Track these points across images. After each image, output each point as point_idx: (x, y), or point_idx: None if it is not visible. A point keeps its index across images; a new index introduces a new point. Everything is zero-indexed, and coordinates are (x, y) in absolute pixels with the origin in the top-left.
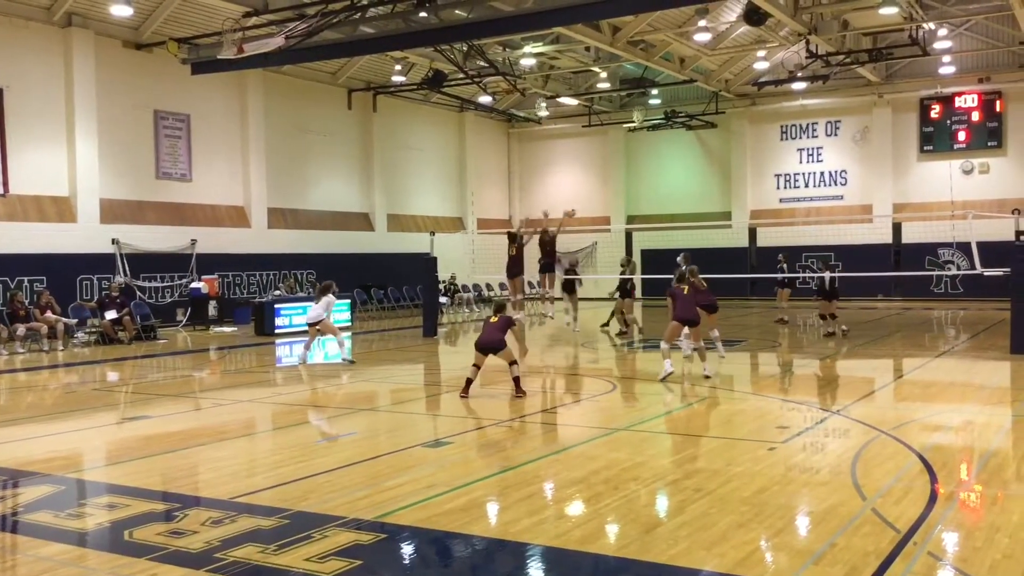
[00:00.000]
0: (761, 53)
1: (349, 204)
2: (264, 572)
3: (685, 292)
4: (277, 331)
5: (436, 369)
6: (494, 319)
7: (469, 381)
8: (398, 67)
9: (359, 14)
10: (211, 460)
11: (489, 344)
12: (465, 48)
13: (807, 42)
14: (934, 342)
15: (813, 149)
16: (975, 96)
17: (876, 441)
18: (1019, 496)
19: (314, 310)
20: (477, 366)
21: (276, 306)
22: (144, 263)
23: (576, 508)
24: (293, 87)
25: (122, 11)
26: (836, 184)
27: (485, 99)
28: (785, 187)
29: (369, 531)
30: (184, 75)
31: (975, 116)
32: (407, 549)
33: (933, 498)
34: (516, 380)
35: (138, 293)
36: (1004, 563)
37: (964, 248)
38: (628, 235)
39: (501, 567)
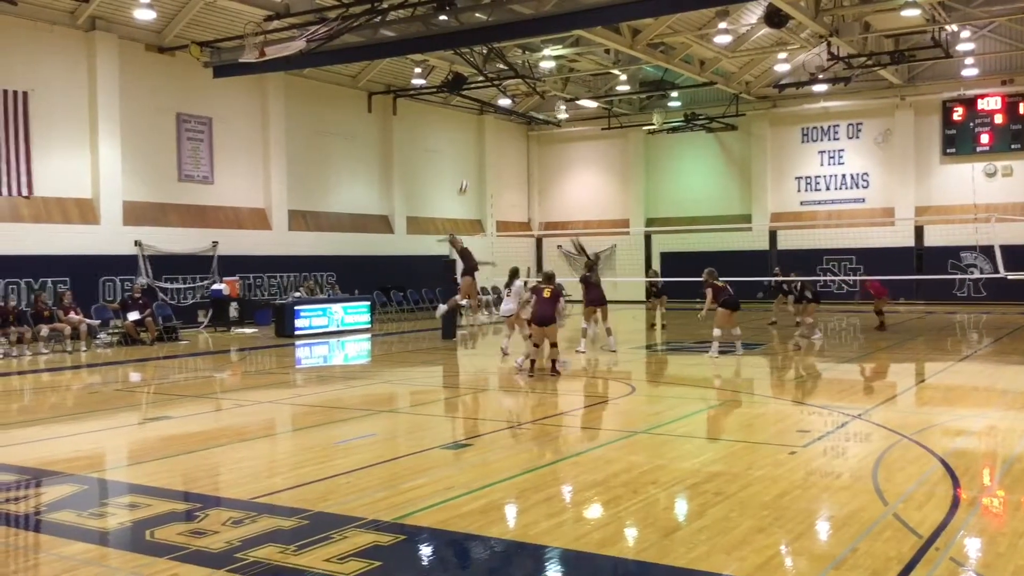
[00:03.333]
0: (782, 55)
1: (369, 206)
2: (284, 572)
3: (545, 295)
4: (297, 332)
5: (454, 371)
6: (547, 292)
7: (532, 361)
8: (418, 70)
9: (379, 17)
10: (231, 461)
11: (545, 319)
12: (485, 51)
13: (828, 44)
14: (957, 346)
15: (834, 151)
16: (998, 98)
17: (898, 445)
18: None
19: (505, 303)
20: (537, 344)
21: (296, 308)
22: (166, 265)
23: (595, 511)
24: (314, 90)
25: (145, 15)
26: (858, 187)
27: (505, 102)
28: (806, 190)
29: (388, 532)
30: (206, 78)
31: (998, 118)
32: (426, 551)
33: (956, 503)
34: (554, 362)
35: (160, 294)
36: None
37: (987, 251)
38: (647, 238)
39: (520, 569)
